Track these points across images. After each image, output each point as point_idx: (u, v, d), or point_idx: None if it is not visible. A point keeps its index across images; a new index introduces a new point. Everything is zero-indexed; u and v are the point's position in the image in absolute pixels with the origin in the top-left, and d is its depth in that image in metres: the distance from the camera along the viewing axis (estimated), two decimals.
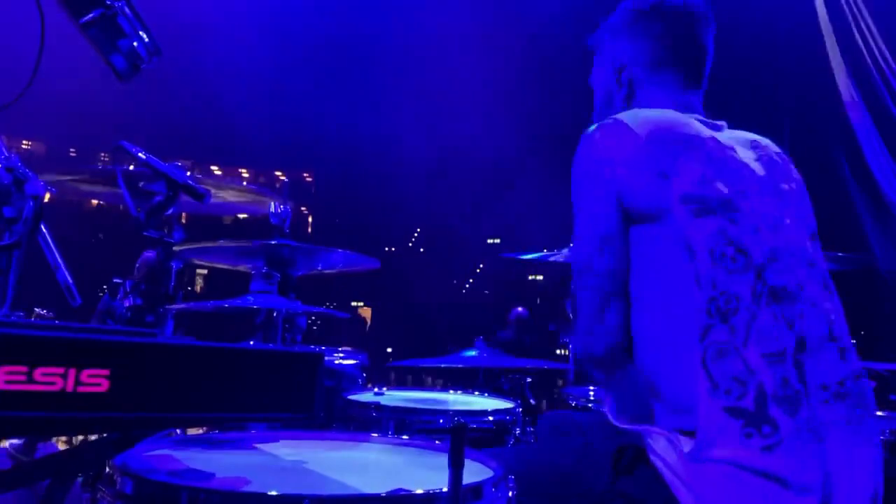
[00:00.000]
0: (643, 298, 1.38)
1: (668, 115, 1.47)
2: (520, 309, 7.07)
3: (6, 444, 1.67)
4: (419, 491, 1.12)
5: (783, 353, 1.26)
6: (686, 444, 1.26)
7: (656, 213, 1.35)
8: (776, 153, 1.52)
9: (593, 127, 1.47)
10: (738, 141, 1.49)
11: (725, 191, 1.35)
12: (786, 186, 1.46)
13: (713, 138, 1.44)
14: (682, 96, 1.58)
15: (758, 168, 1.44)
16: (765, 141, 1.55)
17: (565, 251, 3.08)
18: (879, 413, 2.49)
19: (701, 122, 1.48)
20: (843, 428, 1.27)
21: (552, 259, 3.17)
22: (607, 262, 1.41)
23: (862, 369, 1.36)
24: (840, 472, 1.24)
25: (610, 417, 1.46)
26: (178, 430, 1.69)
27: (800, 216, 1.45)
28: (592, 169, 1.45)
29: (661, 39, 1.61)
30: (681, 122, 1.44)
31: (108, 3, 1.43)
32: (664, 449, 1.30)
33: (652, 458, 1.33)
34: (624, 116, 1.45)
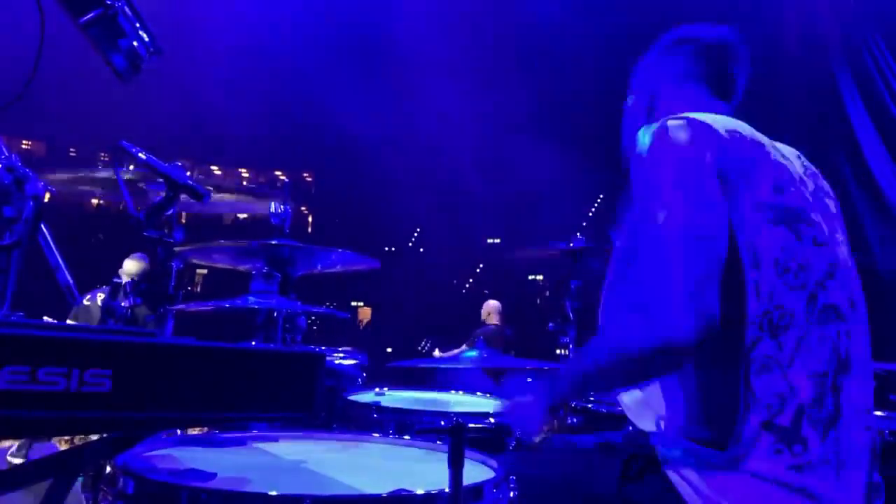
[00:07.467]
0: None
1: (731, 119, 1.40)
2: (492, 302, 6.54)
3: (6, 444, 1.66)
4: (420, 491, 1.12)
5: (825, 375, 1.24)
6: (710, 456, 1.24)
7: (730, 216, 1.28)
8: (814, 168, 1.48)
9: (665, 120, 1.35)
10: (791, 153, 1.46)
11: (793, 203, 1.32)
12: (829, 202, 1.43)
13: (776, 148, 1.40)
14: (710, 107, 1.48)
15: (809, 183, 1.41)
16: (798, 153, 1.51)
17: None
18: (879, 413, 2.48)
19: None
20: (868, 453, 1.26)
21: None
22: (716, 224, 1.24)
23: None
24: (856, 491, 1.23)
25: (636, 421, 1.41)
26: (179, 430, 1.69)
27: (844, 232, 1.42)
28: (682, 146, 1.30)
29: (690, 59, 1.58)
30: (746, 127, 1.39)
31: (109, 2, 1.43)
32: (681, 461, 1.28)
33: (667, 471, 1.29)
34: (693, 115, 1.36)
